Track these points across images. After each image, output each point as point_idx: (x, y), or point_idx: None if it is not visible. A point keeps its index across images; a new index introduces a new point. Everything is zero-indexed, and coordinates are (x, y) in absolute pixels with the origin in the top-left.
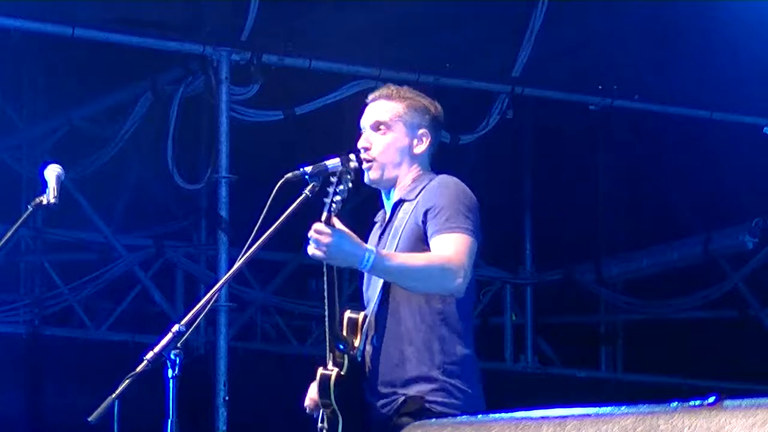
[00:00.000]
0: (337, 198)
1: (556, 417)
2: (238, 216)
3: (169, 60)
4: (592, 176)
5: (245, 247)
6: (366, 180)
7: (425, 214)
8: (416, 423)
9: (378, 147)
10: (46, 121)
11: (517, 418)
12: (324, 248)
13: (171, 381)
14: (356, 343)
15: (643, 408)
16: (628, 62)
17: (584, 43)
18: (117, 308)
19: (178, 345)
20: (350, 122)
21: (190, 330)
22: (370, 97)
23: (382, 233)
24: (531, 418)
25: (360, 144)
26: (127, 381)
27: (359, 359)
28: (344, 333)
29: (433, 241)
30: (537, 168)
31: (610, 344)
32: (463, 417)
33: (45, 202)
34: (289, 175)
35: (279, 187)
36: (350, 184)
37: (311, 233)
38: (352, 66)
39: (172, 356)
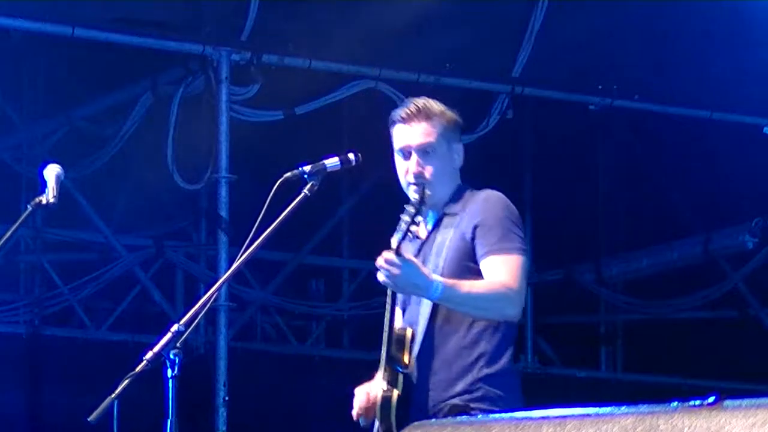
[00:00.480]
0: (414, 228)
1: (556, 417)
2: (238, 216)
3: (169, 60)
4: (592, 176)
5: (244, 247)
6: (414, 200)
7: (474, 230)
8: (416, 423)
9: (431, 172)
10: (46, 121)
11: (517, 418)
12: (394, 278)
13: (171, 381)
14: (406, 359)
15: (643, 408)
16: (628, 62)
17: (584, 43)
18: (117, 308)
19: (178, 345)
20: (350, 122)
21: (190, 330)
22: (402, 115)
23: (422, 245)
24: (531, 418)
25: (413, 170)
26: (126, 381)
27: (411, 377)
28: (393, 350)
29: (487, 262)
30: (537, 168)
31: (610, 344)
32: (463, 417)
33: (45, 201)
34: (288, 174)
35: (278, 186)
36: (422, 216)
37: (380, 262)
38: (352, 66)
39: (172, 356)
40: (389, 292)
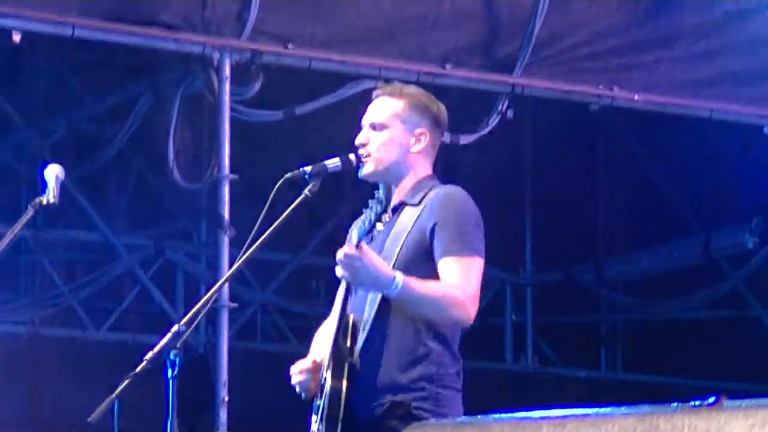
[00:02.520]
0: (379, 226)
1: (556, 417)
2: (237, 216)
3: (169, 60)
4: (592, 176)
5: (245, 247)
6: (360, 175)
7: (433, 227)
8: (416, 423)
9: (374, 144)
10: (46, 121)
11: (517, 418)
12: (353, 272)
13: (171, 381)
14: (348, 347)
15: (643, 408)
16: (628, 62)
17: (584, 43)
18: (117, 308)
19: (178, 345)
20: (350, 122)
21: (190, 330)
22: (375, 93)
23: (377, 232)
24: (531, 418)
25: (357, 140)
26: (127, 381)
27: (355, 367)
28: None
29: (444, 263)
30: (537, 168)
31: (610, 344)
32: (464, 417)
33: (45, 202)
34: (289, 174)
35: (279, 186)
36: (387, 212)
37: (340, 256)
38: (352, 66)
39: (172, 356)
40: (343, 291)
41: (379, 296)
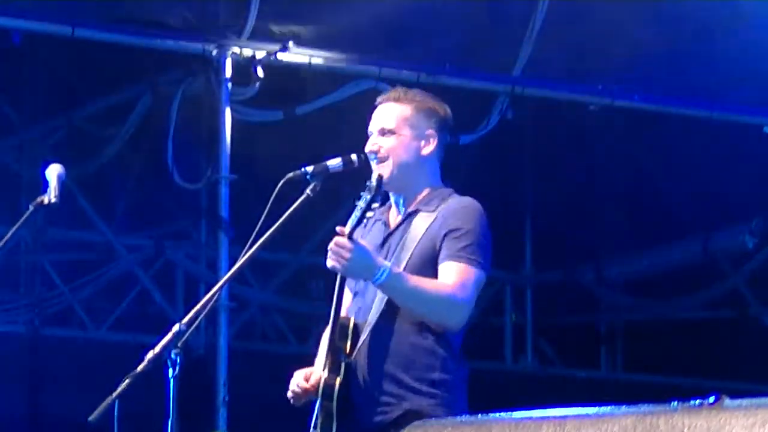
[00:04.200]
0: (369, 214)
1: (556, 417)
2: (237, 216)
3: (169, 60)
4: (592, 176)
5: (246, 247)
6: (383, 179)
7: (444, 236)
8: (416, 423)
9: (386, 149)
10: (46, 121)
11: (517, 418)
12: (344, 262)
13: (171, 381)
14: (348, 349)
15: (643, 408)
16: (628, 62)
17: (584, 43)
18: (117, 308)
19: (178, 345)
20: (350, 122)
21: (191, 330)
22: (379, 99)
23: (388, 236)
24: (531, 418)
25: (369, 148)
26: (127, 381)
27: (353, 367)
28: (337, 338)
29: (444, 266)
30: (537, 168)
31: (610, 344)
32: (464, 417)
33: (46, 201)
34: (291, 174)
35: (280, 186)
36: (379, 203)
37: (332, 246)
38: (352, 66)
39: (172, 356)
40: (338, 279)
41: (385, 300)
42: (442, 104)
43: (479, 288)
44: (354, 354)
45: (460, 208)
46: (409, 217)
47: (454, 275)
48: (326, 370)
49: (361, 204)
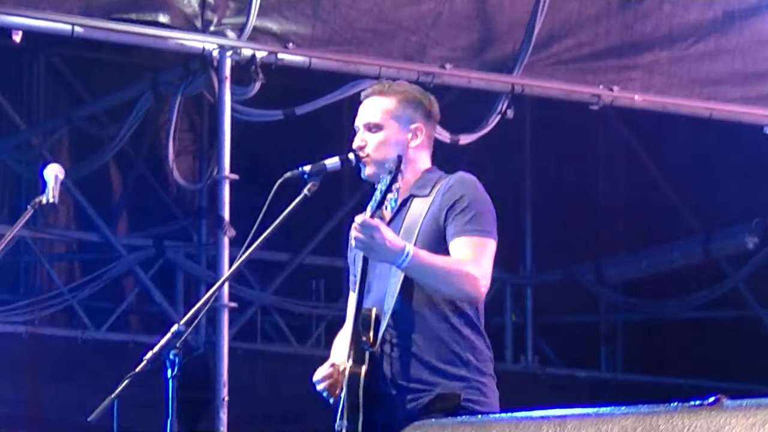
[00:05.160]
0: (390, 195)
1: (556, 417)
2: (237, 216)
3: (169, 60)
4: (592, 176)
5: (245, 247)
6: (363, 176)
7: (447, 212)
8: (416, 423)
9: (372, 145)
10: (46, 121)
11: (517, 418)
12: (370, 242)
13: (171, 381)
14: (371, 338)
15: (643, 408)
16: (628, 62)
17: (585, 43)
18: (117, 308)
19: (178, 345)
20: (350, 122)
21: (190, 330)
22: (363, 93)
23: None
24: (531, 418)
25: (354, 144)
26: (127, 381)
27: (378, 356)
28: (360, 327)
29: (456, 243)
30: (537, 167)
31: (610, 344)
32: (464, 417)
33: (45, 202)
34: (289, 174)
35: (278, 186)
36: (399, 183)
37: (355, 225)
38: (352, 66)
39: (172, 356)
40: (359, 269)
41: (399, 284)
42: (427, 94)
43: (492, 255)
44: (377, 343)
45: (455, 184)
46: (404, 204)
47: (467, 250)
48: (350, 360)
49: (381, 186)
